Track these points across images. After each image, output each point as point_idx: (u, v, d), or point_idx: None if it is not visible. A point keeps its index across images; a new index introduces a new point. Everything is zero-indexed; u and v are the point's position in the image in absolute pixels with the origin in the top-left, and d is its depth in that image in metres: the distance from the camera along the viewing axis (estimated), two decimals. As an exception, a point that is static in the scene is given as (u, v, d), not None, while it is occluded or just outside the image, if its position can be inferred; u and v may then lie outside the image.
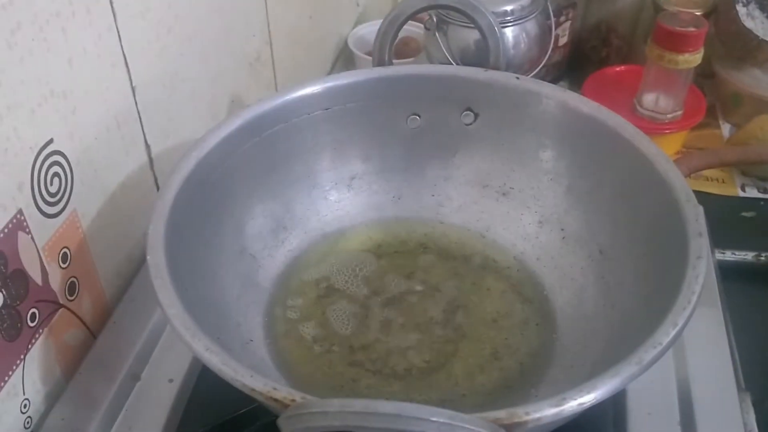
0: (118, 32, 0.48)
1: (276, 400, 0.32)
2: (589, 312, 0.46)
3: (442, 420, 0.29)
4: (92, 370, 0.48)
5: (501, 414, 0.31)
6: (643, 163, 0.44)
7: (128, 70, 0.50)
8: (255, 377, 0.33)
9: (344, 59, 0.88)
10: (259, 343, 0.46)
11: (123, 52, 0.49)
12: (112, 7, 0.47)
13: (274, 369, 0.45)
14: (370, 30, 0.85)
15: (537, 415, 0.31)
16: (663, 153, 0.44)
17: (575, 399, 0.32)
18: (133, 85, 0.51)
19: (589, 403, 0.32)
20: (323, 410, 0.30)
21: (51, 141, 0.43)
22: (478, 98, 0.53)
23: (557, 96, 0.50)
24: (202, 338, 0.35)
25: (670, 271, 0.39)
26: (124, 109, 0.51)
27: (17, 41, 0.39)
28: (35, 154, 0.42)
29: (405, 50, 0.82)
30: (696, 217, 0.40)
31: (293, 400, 0.32)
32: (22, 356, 0.43)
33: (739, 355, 0.47)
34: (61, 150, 0.45)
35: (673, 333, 0.35)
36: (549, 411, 0.31)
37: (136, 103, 0.52)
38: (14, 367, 0.43)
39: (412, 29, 0.82)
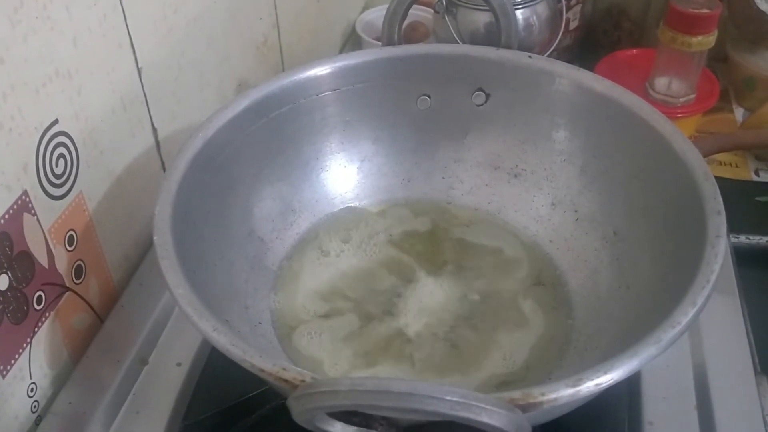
0: (124, 12, 0.47)
1: (285, 380, 0.31)
2: (603, 294, 0.45)
3: (456, 399, 0.28)
4: (99, 353, 0.47)
5: (516, 394, 0.30)
6: (660, 142, 0.44)
7: (134, 51, 0.49)
8: (264, 357, 0.32)
9: (352, 44, 0.88)
10: (267, 326, 0.46)
11: (129, 32, 0.48)
12: (117, -15, 0.46)
13: (282, 352, 0.44)
14: (378, 14, 0.84)
15: (553, 395, 0.30)
16: (680, 131, 0.43)
17: (592, 379, 0.31)
18: (139, 66, 0.50)
19: (606, 384, 0.31)
20: (333, 389, 0.29)
21: (56, 122, 0.43)
22: (489, 78, 0.52)
23: (570, 75, 0.49)
24: (209, 318, 0.34)
25: (688, 250, 0.38)
26: (130, 91, 0.50)
27: (20, 19, 0.39)
28: (40, 134, 0.42)
29: (414, 35, 0.81)
30: (714, 195, 0.39)
31: (302, 380, 0.31)
32: (28, 339, 0.43)
33: (755, 338, 0.47)
34: (67, 131, 0.44)
35: (692, 312, 0.34)
36: (566, 391, 0.31)
37: (142, 84, 0.51)
38: (21, 351, 0.42)
39: (421, 14, 0.81)
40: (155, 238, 0.38)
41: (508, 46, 0.52)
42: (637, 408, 0.42)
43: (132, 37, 0.49)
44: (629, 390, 0.43)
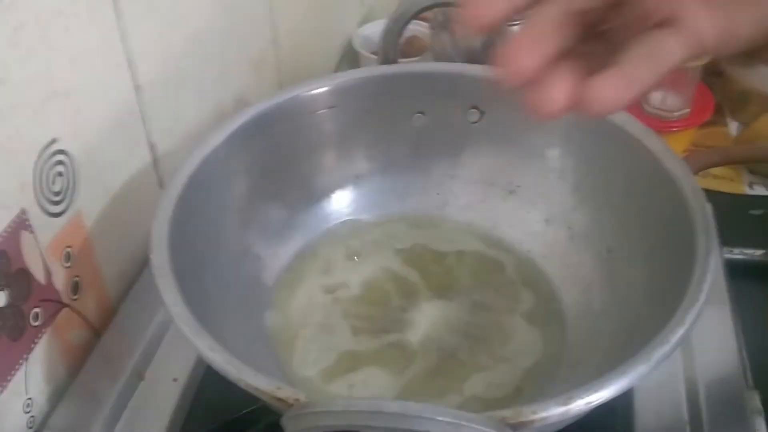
0: (121, 32, 0.48)
1: (280, 399, 0.32)
2: (596, 310, 0.46)
3: (447, 419, 0.28)
4: (96, 369, 0.47)
5: (507, 413, 0.31)
6: (651, 161, 0.44)
7: (132, 70, 0.50)
8: (258, 376, 0.33)
9: (349, 59, 0.88)
10: (263, 342, 0.46)
11: (127, 51, 0.49)
12: (115, 6, 0.47)
13: (278, 369, 0.45)
14: (375, 29, 0.84)
15: (544, 414, 0.31)
16: (671, 150, 0.44)
17: (582, 398, 0.31)
18: (137, 84, 0.51)
19: (596, 402, 0.32)
20: (327, 410, 0.29)
21: (54, 140, 0.43)
22: (483, 96, 0.52)
23: (563, 93, 0.50)
24: (205, 337, 0.35)
25: (679, 268, 0.38)
26: (128, 109, 0.50)
27: (20, 40, 0.39)
28: (38, 153, 0.42)
29: (410, 50, 0.82)
30: (703, 214, 0.40)
31: (297, 400, 0.32)
32: (25, 356, 0.43)
33: (748, 353, 0.47)
34: (65, 149, 0.44)
35: (681, 331, 0.34)
36: (556, 410, 0.31)
37: (140, 102, 0.51)
38: (17, 367, 0.43)
39: (418, 28, 0.82)
40: (152, 257, 0.39)
41: (503, 64, 0.53)
42: (630, 422, 0.42)
43: (130, 55, 0.49)
44: (621, 404, 0.43)
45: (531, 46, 0.28)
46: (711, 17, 0.29)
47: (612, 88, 0.27)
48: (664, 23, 0.28)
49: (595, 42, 0.29)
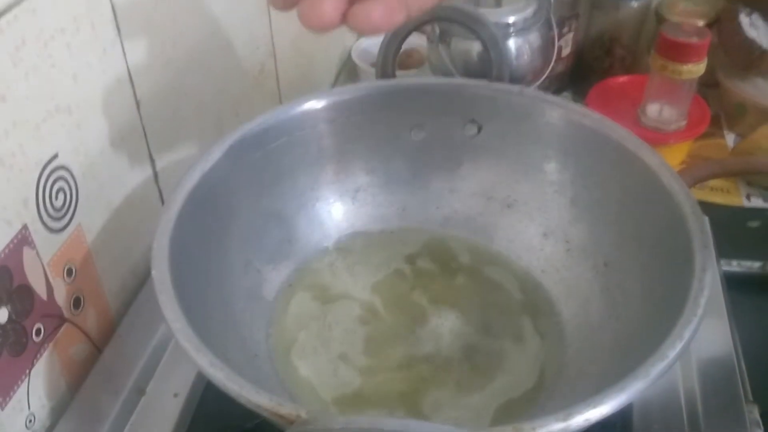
0: (123, 48, 0.48)
1: (281, 415, 0.32)
2: (595, 324, 0.46)
3: (447, 436, 0.29)
4: (97, 384, 0.47)
5: (507, 429, 0.31)
6: (647, 175, 0.44)
7: (133, 85, 0.50)
8: (260, 393, 0.33)
9: (348, 70, 0.89)
10: (263, 357, 0.46)
11: (128, 66, 0.49)
12: (116, 22, 0.47)
13: (279, 384, 0.45)
14: (373, 42, 0.85)
15: (543, 430, 0.31)
16: (667, 164, 0.44)
17: (582, 414, 0.32)
18: (138, 99, 0.51)
19: (595, 418, 0.32)
20: (328, 426, 0.30)
21: (56, 156, 0.44)
22: (481, 110, 0.53)
23: (560, 108, 0.50)
24: (206, 353, 0.35)
25: (676, 283, 0.39)
26: (129, 124, 0.51)
27: (22, 57, 0.40)
28: (40, 169, 0.42)
29: (408, 61, 0.83)
30: (701, 229, 0.40)
31: (298, 416, 0.32)
32: (27, 371, 0.43)
33: (746, 366, 0.47)
34: (66, 165, 0.45)
35: (679, 346, 0.34)
36: (555, 426, 0.31)
37: (140, 117, 0.52)
38: (19, 383, 0.43)
39: (415, 40, 0.82)
40: (153, 272, 0.39)
41: (500, 78, 0.53)
42: (629, 436, 0.43)
43: (131, 71, 0.50)
44: (621, 418, 0.43)
45: None
46: None
47: (381, 9, 0.30)
48: None
49: None
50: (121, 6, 0.47)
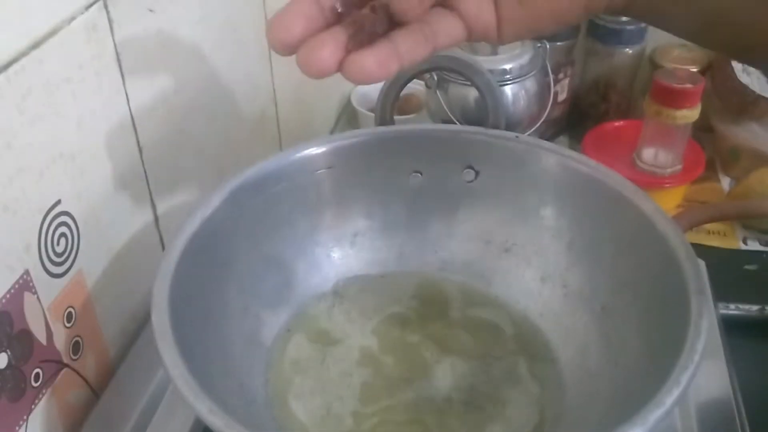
0: (127, 95, 0.49)
1: (278, 463, 0.32)
2: (593, 369, 0.46)
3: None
4: (95, 430, 0.47)
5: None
6: (643, 221, 0.45)
7: (136, 131, 0.51)
8: (258, 440, 0.33)
9: (347, 116, 0.90)
10: (261, 403, 0.46)
11: (131, 113, 0.50)
12: (121, 71, 0.48)
13: (277, 431, 0.45)
14: (372, 87, 0.86)
15: (542, 477, 0.31)
16: (662, 210, 0.45)
17: (580, 461, 0.32)
18: (141, 145, 0.52)
19: (594, 466, 0.32)
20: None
21: (59, 202, 0.44)
22: (478, 156, 0.53)
23: (556, 155, 0.51)
24: (205, 400, 0.35)
25: (673, 328, 0.39)
26: (131, 169, 0.51)
27: (28, 106, 0.40)
28: (43, 215, 0.43)
29: (406, 107, 0.84)
30: (696, 274, 0.40)
31: (295, 464, 0.32)
32: (25, 417, 0.43)
33: (746, 410, 0.47)
34: (69, 211, 0.45)
35: (677, 393, 0.34)
36: (554, 473, 0.31)
37: (143, 162, 0.52)
38: (17, 428, 0.43)
39: (413, 86, 0.84)
40: (153, 318, 0.39)
41: (496, 124, 0.54)
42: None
43: (134, 118, 0.50)
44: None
45: (292, 21, 0.32)
46: (490, 5, 0.34)
47: (374, 60, 0.31)
48: (444, 3, 0.33)
49: (382, 18, 0.32)
50: (125, 54, 0.48)
